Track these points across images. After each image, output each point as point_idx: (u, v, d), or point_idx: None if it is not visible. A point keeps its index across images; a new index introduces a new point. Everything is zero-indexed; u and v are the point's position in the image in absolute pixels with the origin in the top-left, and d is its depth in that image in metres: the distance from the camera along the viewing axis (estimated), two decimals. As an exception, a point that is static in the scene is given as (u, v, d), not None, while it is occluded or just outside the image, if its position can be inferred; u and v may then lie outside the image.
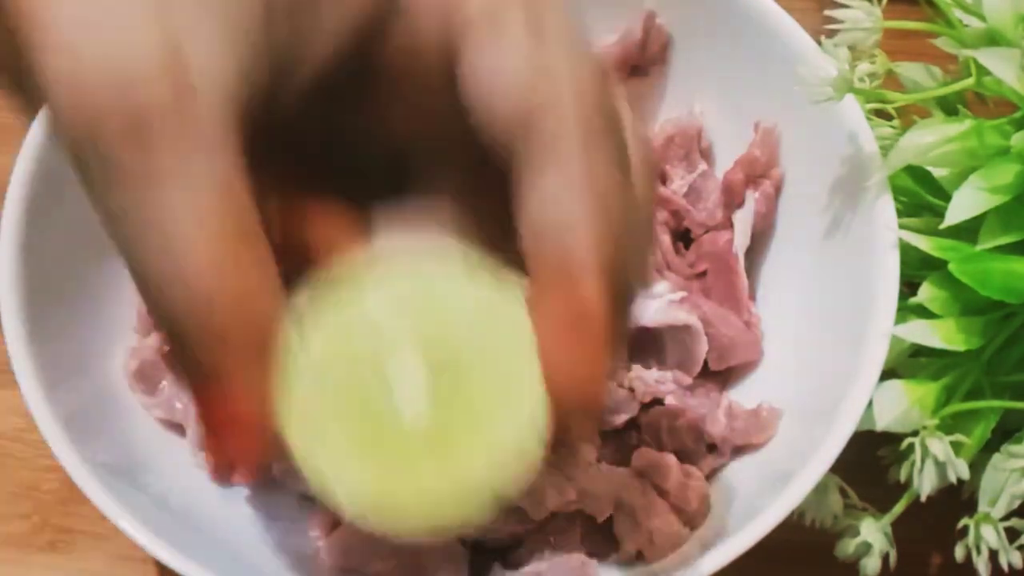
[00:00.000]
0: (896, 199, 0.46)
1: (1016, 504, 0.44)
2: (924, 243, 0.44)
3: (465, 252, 0.28)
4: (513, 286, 0.28)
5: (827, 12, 0.45)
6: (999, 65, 0.43)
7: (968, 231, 0.44)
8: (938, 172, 0.48)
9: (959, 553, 0.43)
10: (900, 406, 0.44)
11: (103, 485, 0.41)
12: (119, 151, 0.24)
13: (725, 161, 0.53)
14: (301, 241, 0.30)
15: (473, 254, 0.28)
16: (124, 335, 0.49)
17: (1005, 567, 0.43)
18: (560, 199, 0.26)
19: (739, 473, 0.47)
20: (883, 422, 0.43)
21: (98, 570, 0.50)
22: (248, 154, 0.25)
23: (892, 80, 0.51)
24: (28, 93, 0.25)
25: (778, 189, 0.51)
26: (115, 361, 0.48)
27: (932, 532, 0.45)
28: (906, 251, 0.44)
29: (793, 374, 0.48)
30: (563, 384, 0.26)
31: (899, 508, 0.45)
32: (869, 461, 0.46)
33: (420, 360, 0.27)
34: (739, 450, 0.47)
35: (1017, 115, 0.45)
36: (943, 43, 0.49)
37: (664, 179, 0.53)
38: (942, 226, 0.43)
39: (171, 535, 0.41)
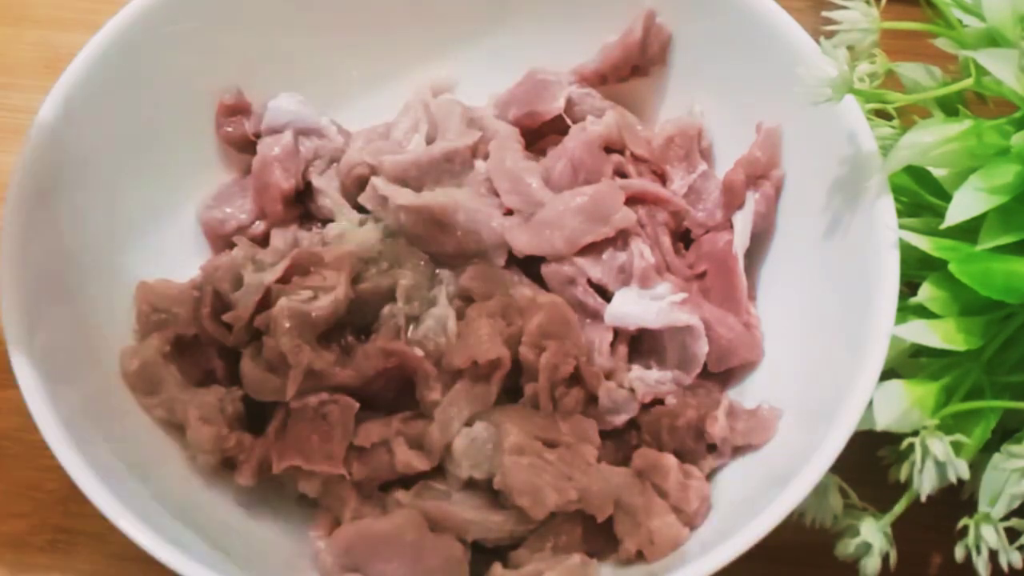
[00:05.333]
0: (896, 199, 0.46)
1: (1016, 504, 0.44)
2: (924, 243, 0.44)
3: None
4: None
5: (825, 13, 0.45)
6: (998, 65, 0.43)
7: (968, 231, 0.44)
8: (938, 172, 0.48)
9: (959, 553, 0.43)
10: (900, 406, 0.43)
11: (103, 485, 0.41)
12: None
13: (725, 161, 0.53)
14: None
15: None
16: (124, 335, 0.49)
17: (1005, 567, 0.43)
18: None
19: (739, 473, 0.47)
20: (883, 422, 0.43)
21: (98, 570, 0.50)
22: None
23: (892, 80, 0.51)
24: None
25: (778, 190, 0.51)
26: (115, 361, 0.48)
27: (932, 532, 0.45)
28: (906, 251, 0.44)
29: (793, 374, 0.48)
30: None
31: (899, 508, 0.45)
32: (869, 461, 0.46)
33: None
34: (739, 450, 0.47)
35: (1017, 115, 0.45)
36: (943, 43, 0.49)
37: (664, 179, 0.53)
38: (942, 226, 0.43)
39: (171, 535, 0.41)
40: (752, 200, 0.51)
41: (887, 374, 0.43)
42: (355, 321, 0.49)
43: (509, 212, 0.51)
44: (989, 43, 0.46)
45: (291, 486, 0.47)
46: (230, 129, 0.54)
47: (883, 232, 0.45)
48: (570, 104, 0.54)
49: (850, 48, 0.44)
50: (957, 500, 0.46)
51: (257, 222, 0.53)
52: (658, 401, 0.48)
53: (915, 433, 0.43)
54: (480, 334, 0.47)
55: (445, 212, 0.50)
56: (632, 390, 0.48)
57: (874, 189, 0.45)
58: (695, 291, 0.50)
